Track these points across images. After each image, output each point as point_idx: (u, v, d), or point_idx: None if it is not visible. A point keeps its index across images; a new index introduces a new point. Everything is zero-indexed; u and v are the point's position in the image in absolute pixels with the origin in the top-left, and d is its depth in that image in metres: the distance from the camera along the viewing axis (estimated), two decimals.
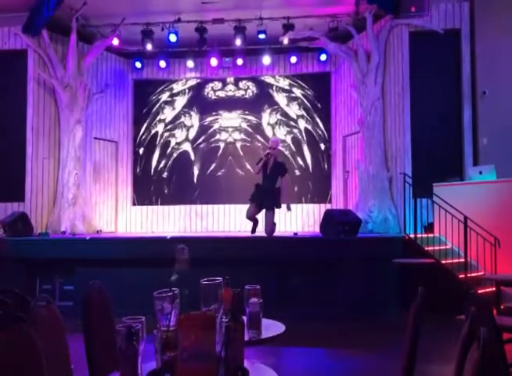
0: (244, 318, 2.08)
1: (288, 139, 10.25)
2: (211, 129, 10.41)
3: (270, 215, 7.07)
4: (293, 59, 9.87)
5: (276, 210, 7.18)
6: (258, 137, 10.26)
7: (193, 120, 10.48)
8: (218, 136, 10.40)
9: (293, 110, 10.24)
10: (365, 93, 8.48)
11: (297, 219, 9.99)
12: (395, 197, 8.13)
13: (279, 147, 7.04)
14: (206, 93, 10.47)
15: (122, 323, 1.63)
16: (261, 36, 9.00)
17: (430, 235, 7.01)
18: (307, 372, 4.43)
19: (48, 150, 8.85)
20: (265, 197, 7.02)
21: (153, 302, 1.75)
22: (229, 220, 10.18)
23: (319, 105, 10.15)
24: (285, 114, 10.28)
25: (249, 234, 7.40)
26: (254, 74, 10.31)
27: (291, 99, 10.26)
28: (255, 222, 7.29)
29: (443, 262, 6.46)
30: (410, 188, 7.26)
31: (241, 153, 10.28)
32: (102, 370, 2.11)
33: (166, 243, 6.92)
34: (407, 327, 2.08)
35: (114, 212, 10.21)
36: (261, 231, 7.30)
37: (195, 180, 10.39)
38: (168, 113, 10.54)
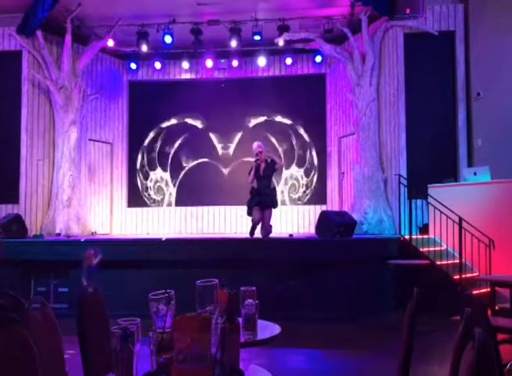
0: (240, 319, 2.08)
1: (284, 140, 10.25)
2: (209, 129, 10.39)
3: (268, 217, 7.09)
4: (289, 61, 9.90)
5: (273, 211, 7.20)
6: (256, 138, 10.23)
7: (190, 121, 10.46)
8: (214, 137, 10.37)
9: (289, 112, 10.23)
10: (361, 94, 8.50)
11: (293, 221, 9.99)
12: (390, 199, 8.15)
13: (263, 149, 7.14)
14: (202, 94, 10.46)
15: (117, 325, 1.62)
16: (257, 37, 8.99)
17: (425, 236, 7.04)
18: (303, 373, 4.42)
19: (43, 151, 8.81)
20: (263, 197, 7.05)
21: (148, 304, 1.74)
22: (225, 222, 10.17)
23: (314, 106, 10.15)
24: (281, 115, 10.27)
25: (243, 235, 7.38)
26: (250, 76, 10.31)
27: (288, 99, 10.25)
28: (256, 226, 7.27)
29: (438, 263, 6.48)
30: (405, 189, 7.28)
31: (237, 155, 10.27)
32: (97, 372, 2.10)
33: (161, 244, 6.93)
34: (402, 327, 2.08)
35: (109, 214, 10.17)
36: (256, 233, 7.30)
37: (192, 181, 10.37)
38: (164, 115, 10.51)
